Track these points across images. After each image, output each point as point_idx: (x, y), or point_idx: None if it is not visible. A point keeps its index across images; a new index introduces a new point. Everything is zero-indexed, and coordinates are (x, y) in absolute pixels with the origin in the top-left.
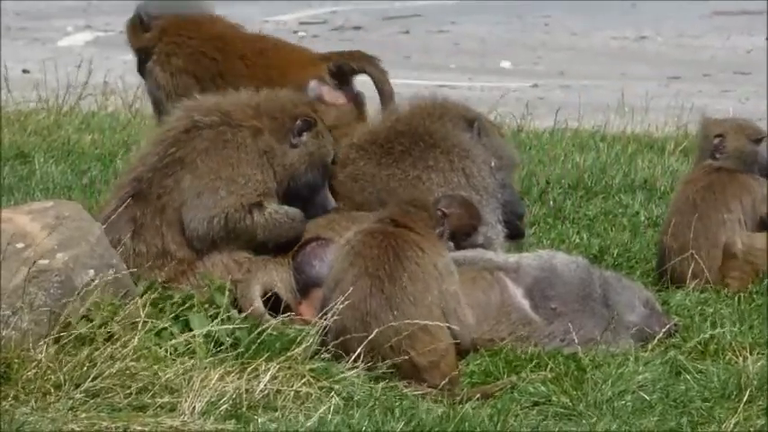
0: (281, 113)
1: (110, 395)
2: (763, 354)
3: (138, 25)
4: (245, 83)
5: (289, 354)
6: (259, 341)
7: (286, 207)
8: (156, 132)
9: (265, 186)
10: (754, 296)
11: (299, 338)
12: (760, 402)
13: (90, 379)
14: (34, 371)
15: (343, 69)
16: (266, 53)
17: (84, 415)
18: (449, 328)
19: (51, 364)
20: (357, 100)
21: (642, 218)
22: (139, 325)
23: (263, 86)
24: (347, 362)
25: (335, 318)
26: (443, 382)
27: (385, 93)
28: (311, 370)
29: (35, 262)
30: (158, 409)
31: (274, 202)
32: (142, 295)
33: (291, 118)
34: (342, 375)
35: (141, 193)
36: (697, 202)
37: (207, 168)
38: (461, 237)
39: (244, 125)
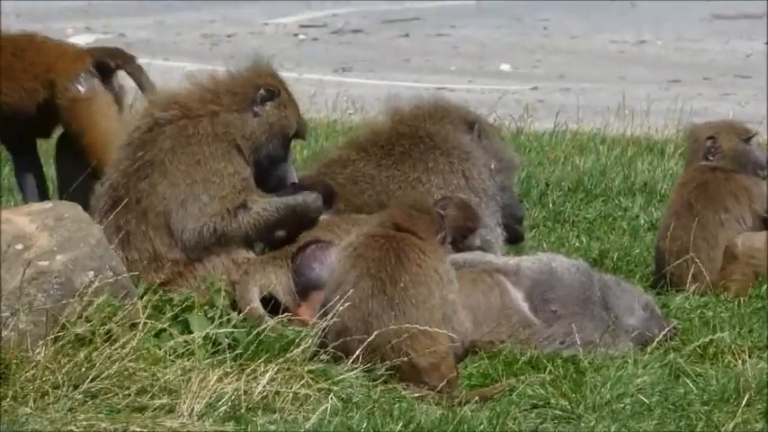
0: (242, 87)
1: (108, 396)
2: (762, 357)
3: None
4: (20, 76)
5: (287, 355)
6: (258, 342)
7: (275, 200)
8: (123, 135)
9: (241, 178)
10: (753, 300)
11: (298, 340)
12: (759, 406)
13: (89, 380)
14: (33, 371)
15: (104, 65)
16: (36, 49)
17: (82, 416)
18: None
19: (50, 365)
20: (118, 94)
21: (642, 221)
22: (139, 326)
23: (35, 79)
24: (346, 363)
25: (336, 319)
26: (442, 384)
27: (144, 85)
28: (310, 371)
29: (32, 263)
30: (157, 410)
31: (257, 195)
32: (142, 297)
33: (254, 88)
34: (341, 377)
35: (120, 201)
36: (693, 203)
37: (177, 170)
38: (457, 238)
39: (202, 114)
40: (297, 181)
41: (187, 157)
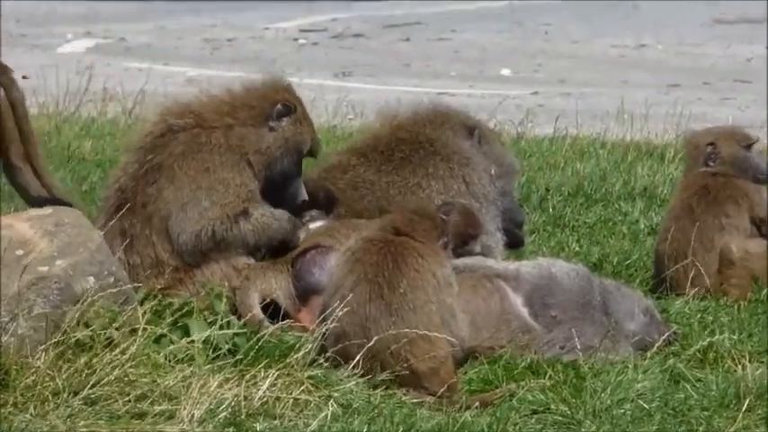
0: (259, 101)
1: (109, 402)
2: (762, 362)
3: None
4: None
5: (287, 361)
6: (258, 348)
7: (271, 209)
8: (134, 139)
9: (247, 190)
10: (753, 304)
11: (298, 345)
12: (759, 411)
13: (89, 386)
14: (33, 377)
15: None
16: None
17: (82, 422)
18: None
19: (50, 371)
20: None
21: (642, 225)
22: (139, 331)
23: None
24: (346, 369)
25: (335, 324)
26: (442, 389)
27: (15, 100)
28: (310, 377)
29: (32, 268)
30: (157, 416)
31: (260, 205)
32: (142, 302)
33: (272, 103)
34: (341, 383)
35: (127, 204)
36: (693, 207)
37: (185, 176)
38: (458, 244)
39: (216, 126)
40: (307, 198)
41: (196, 164)
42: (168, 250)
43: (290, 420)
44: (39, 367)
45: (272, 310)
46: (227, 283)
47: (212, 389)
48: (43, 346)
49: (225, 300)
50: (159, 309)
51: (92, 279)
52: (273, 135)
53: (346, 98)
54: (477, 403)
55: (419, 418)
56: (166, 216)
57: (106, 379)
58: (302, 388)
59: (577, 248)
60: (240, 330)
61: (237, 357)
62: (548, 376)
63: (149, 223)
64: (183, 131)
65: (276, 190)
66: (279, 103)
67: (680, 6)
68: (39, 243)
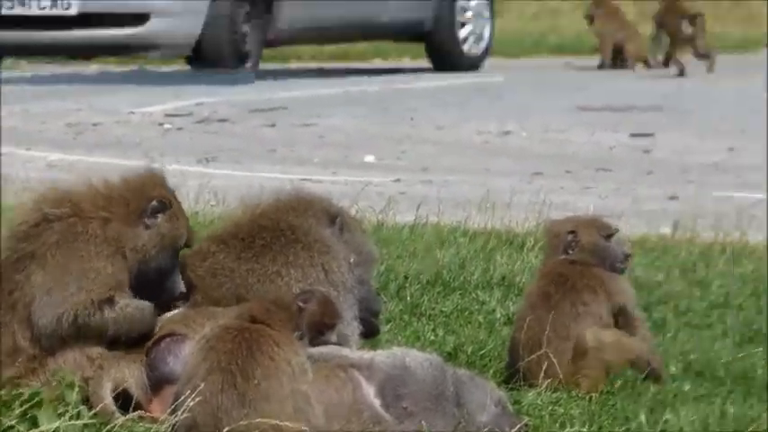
0: (134, 196)
1: None
2: None
3: None
4: None
5: None
6: None
7: (136, 300)
8: (6, 228)
9: (116, 279)
10: (605, 396)
11: None
12: None
13: None
14: None
15: None
16: None
17: None
18: None
19: None
20: None
21: (498, 315)
22: None
23: None
24: None
25: (185, 415)
26: None
27: None
28: None
29: None
30: None
31: (126, 295)
32: None
33: (147, 199)
34: None
35: None
36: (550, 294)
37: (56, 263)
38: (315, 335)
39: (93, 216)
40: (185, 290)
41: (70, 252)
42: (27, 338)
43: None
44: None
45: (125, 400)
46: (79, 373)
47: None
48: None
49: (77, 389)
50: (8, 399)
51: None
52: (149, 233)
53: (209, 184)
54: None
55: None
56: (31, 302)
57: None
58: None
59: (433, 337)
60: (90, 421)
61: None
62: None
63: (12, 310)
64: (58, 221)
65: (152, 285)
66: (154, 200)
67: (545, 93)
68: None
